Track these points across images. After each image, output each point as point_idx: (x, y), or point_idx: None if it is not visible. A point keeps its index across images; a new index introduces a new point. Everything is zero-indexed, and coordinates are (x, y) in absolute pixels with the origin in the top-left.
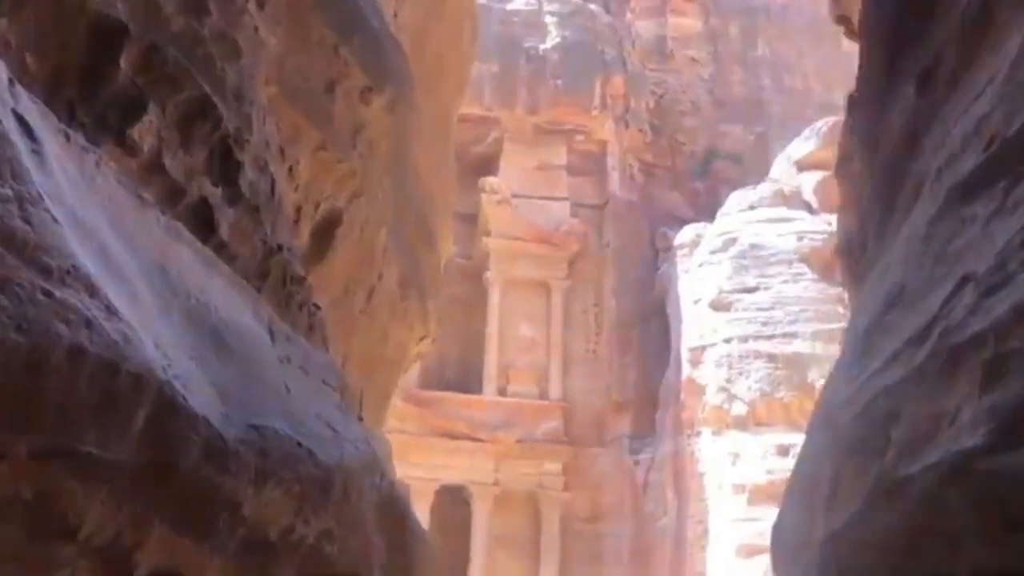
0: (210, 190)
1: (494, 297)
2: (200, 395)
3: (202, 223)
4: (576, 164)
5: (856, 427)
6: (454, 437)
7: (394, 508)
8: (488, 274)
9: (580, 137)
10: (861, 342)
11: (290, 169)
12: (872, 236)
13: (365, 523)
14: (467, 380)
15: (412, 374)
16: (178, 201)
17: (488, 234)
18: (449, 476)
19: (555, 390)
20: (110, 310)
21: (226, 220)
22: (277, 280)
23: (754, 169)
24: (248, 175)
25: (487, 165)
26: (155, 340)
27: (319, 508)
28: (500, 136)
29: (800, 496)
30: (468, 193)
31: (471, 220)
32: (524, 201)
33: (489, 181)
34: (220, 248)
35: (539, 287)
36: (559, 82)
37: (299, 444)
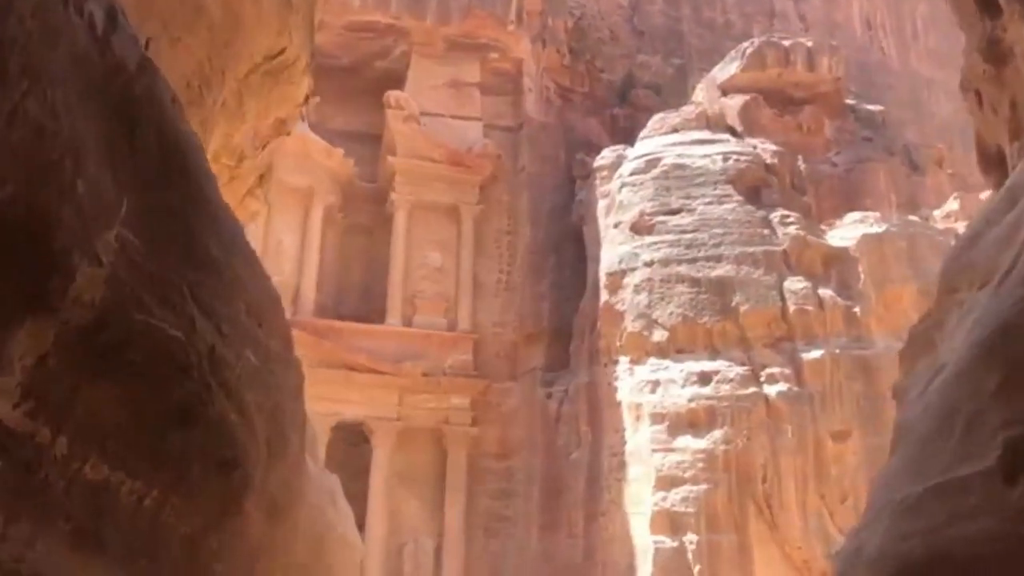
0: None
1: (399, 221)
2: None
3: None
4: (490, 83)
5: None
6: (354, 369)
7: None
8: (393, 196)
9: (495, 54)
10: None
11: None
12: None
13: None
14: (369, 310)
15: (307, 303)
16: None
17: (394, 153)
18: (348, 411)
19: (464, 321)
20: None
21: None
22: None
23: (673, 100)
24: None
25: (393, 82)
26: None
27: None
28: (408, 49)
29: None
30: (372, 111)
31: (375, 140)
32: (433, 120)
33: (395, 95)
34: None
35: (448, 212)
36: None
37: None
